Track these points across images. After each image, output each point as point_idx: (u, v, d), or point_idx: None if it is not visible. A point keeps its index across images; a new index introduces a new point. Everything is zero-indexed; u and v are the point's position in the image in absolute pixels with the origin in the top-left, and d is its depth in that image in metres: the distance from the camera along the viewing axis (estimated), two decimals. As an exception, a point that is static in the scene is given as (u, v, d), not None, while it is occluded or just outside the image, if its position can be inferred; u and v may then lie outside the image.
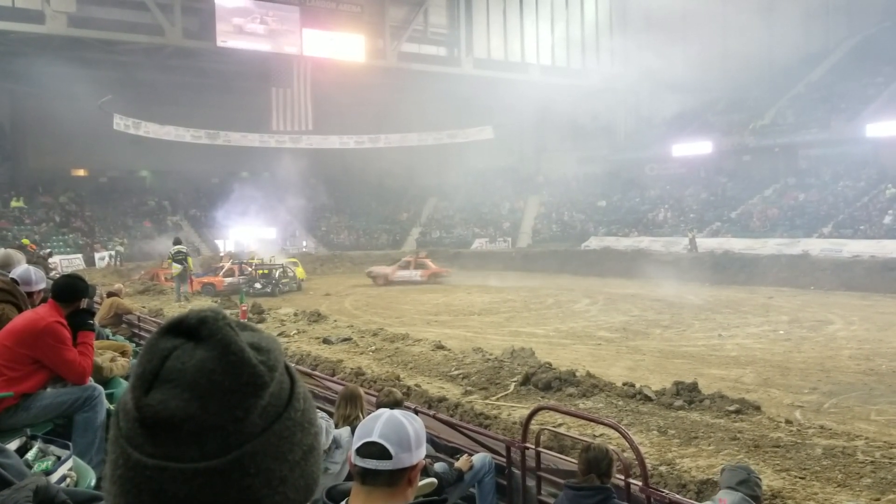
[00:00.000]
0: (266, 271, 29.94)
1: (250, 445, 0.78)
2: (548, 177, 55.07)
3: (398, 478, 1.98)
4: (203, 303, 21.30)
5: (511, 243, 47.74)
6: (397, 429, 2.00)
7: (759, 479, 4.20)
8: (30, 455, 3.35)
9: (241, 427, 0.78)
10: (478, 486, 5.45)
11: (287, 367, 0.87)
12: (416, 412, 6.12)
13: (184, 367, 0.79)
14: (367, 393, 6.13)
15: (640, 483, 4.96)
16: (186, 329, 0.82)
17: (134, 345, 8.76)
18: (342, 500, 2.05)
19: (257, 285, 27.72)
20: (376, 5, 44.90)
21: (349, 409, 5.11)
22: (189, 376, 0.78)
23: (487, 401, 9.60)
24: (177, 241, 24.28)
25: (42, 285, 5.12)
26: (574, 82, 49.60)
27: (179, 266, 22.52)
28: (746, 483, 4.00)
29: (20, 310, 4.65)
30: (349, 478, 2.18)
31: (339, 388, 6.74)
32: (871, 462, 6.67)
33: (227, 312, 0.88)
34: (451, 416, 8.31)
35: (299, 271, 32.66)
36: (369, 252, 45.11)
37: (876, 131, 37.10)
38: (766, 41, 47.47)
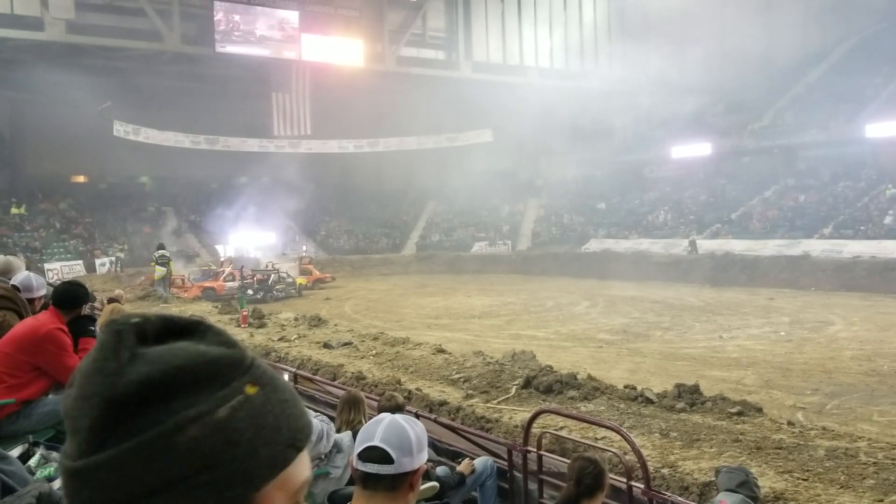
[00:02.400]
0: (260, 277, 29.94)
1: (112, 451, 0.73)
2: (547, 180, 55.05)
3: (400, 482, 1.98)
4: (202, 307, 21.31)
5: (511, 246, 47.74)
6: (399, 433, 2.01)
7: (757, 480, 4.20)
8: (32, 462, 3.35)
9: (93, 434, 0.75)
10: (479, 489, 5.44)
11: (201, 386, 0.77)
12: (418, 416, 6.12)
13: (81, 365, 0.80)
14: (368, 397, 6.13)
15: (642, 486, 4.95)
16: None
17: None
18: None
19: (249, 291, 27.71)
20: (374, 10, 44.96)
21: (351, 413, 5.11)
22: (79, 373, 0.79)
23: (488, 404, 9.58)
24: (160, 247, 26.29)
25: (42, 292, 5.13)
26: (573, 85, 49.64)
27: (163, 269, 24.34)
28: (746, 485, 4.00)
29: (21, 317, 4.65)
30: (351, 482, 2.18)
31: (340, 392, 6.73)
32: (874, 463, 6.65)
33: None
34: (453, 419, 8.31)
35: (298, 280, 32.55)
36: (369, 256, 45.14)
37: (875, 132, 37.13)
38: (764, 42, 47.52)
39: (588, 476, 3.93)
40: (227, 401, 0.75)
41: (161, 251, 25.39)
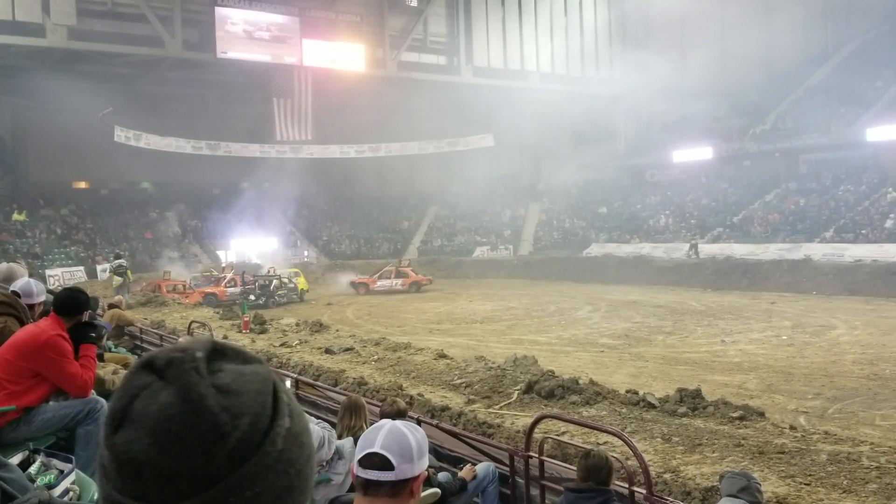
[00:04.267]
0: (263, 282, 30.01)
1: (214, 490, 0.77)
2: (548, 184, 55.07)
3: (400, 489, 1.98)
4: (203, 312, 21.29)
5: (512, 251, 47.75)
6: (399, 439, 2.00)
7: (760, 486, 4.19)
8: (32, 469, 3.34)
9: (203, 473, 0.77)
10: (481, 495, 5.43)
11: (276, 403, 0.84)
12: (419, 422, 6.11)
13: (147, 409, 0.79)
14: (369, 403, 6.12)
15: (644, 491, 4.94)
16: (157, 368, 0.82)
17: (136, 357, 8.76)
18: None
19: (251, 297, 27.73)
20: (376, 15, 45.01)
21: (353, 419, 5.11)
22: (151, 420, 0.78)
23: (490, 409, 9.58)
24: (117, 256, 27.94)
25: (42, 297, 5.13)
26: (574, 89, 49.63)
27: (120, 279, 25.32)
28: (748, 490, 3.99)
29: (22, 323, 4.65)
30: (352, 489, 2.17)
31: (341, 398, 6.72)
32: (877, 467, 6.64)
33: (239, 337, 0.90)
34: (454, 425, 8.30)
35: (301, 281, 32.63)
36: (371, 261, 45.08)
37: (876, 135, 37.15)
38: (765, 46, 47.53)
39: (603, 473, 4.45)
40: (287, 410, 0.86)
41: (118, 261, 26.51)
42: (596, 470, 4.43)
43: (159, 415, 0.78)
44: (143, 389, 0.81)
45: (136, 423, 0.79)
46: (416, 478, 2.00)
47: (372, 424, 2.27)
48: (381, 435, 2.01)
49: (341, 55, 43.01)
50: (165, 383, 0.80)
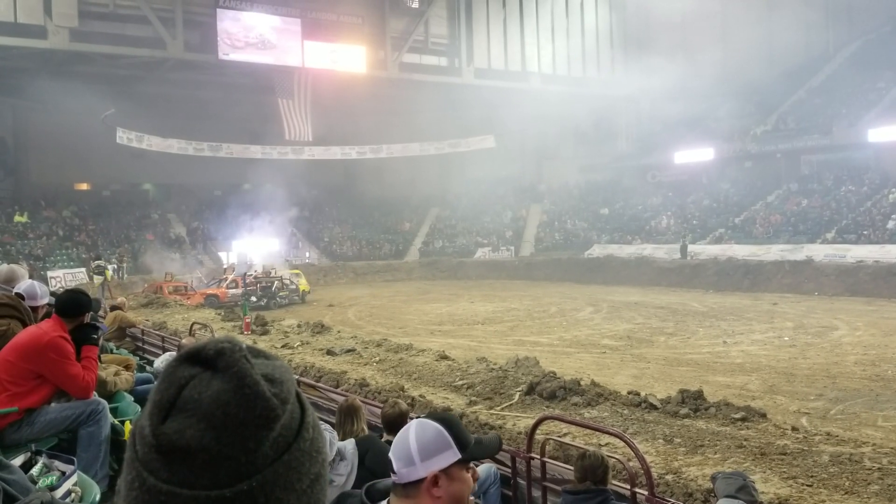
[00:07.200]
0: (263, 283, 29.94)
1: (260, 476, 0.80)
2: (550, 185, 55.10)
3: (412, 489, 1.99)
4: (205, 314, 21.28)
5: (514, 252, 47.72)
6: (402, 443, 2.03)
7: (755, 485, 4.19)
8: (34, 470, 3.34)
9: (253, 458, 0.80)
10: (483, 496, 5.42)
11: (298, 396, 0.89)
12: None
13: (200, 397, 0.81)
14: (371, 404, 6.12)
15: (645, 492, 4.93)
16: (204, 359, 0.84)
17: (138, 358, 8.76)
18: (382, 499, 2.07)
19: (253, 298, 27.70)
20: (377, 16, 45.07)
21: (352, 424, 5.11)
22: (205, 407, 0.81)
23: (492, 411, 9.57)
24: (97, 257, 28.92)
25: (46, 300, 5.14)
26: (575, 91, 49.66)
27: (100, 277, 26.19)
28: (745, 489, 3.99)
29: (25, 325, 4.65)
30: (356, 486, 2.18)
31: (342, 399, 6.72)
32: (879, 468, 6.63)
33: (242, 339, 0.92)
34: (456, 426, 8.26)
35: (302, 283, 32.58)
36: (372, 262, 45.17)
37: (878, 136, 37.15)
38: (766, 46, 47.57)
39: (600, 472, 4.49)
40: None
41: (97, 262, 27.30)
42: (592, 470, 4.45)
43: (213, 402, 0.81)
44: (190, 380, 0.83)
45: (188, 411, 0.81)
46: (424, 479, 1.99)
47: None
48: (396, 438, 2.07)
49: (343, 57, 43.07)
50: (215, 372, 0.83)
